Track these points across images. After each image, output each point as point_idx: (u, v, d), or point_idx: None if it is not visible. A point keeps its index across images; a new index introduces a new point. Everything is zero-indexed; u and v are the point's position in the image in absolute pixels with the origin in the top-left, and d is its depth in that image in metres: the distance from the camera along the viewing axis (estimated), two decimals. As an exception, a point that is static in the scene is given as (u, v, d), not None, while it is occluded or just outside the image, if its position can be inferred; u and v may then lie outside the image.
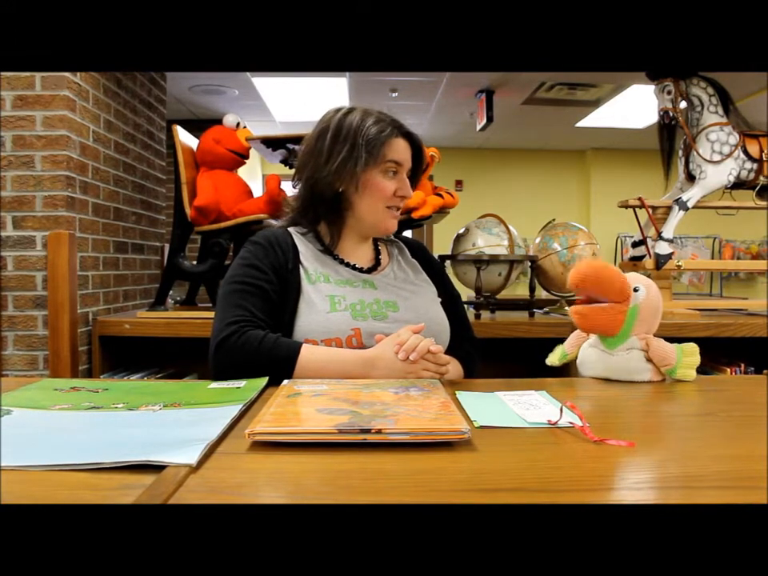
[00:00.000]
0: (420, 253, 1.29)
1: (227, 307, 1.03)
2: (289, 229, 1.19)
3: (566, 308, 1.96)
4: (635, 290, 0.98)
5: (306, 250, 1.15)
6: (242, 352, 0.97)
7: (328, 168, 1.10)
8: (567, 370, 1.14)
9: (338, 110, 1.15)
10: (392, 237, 1.30)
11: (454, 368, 1.11)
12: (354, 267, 1.16)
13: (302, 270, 1.11)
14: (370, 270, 1.18)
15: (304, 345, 0.99)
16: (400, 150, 1.14)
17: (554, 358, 1.10)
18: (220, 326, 1.00)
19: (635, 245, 2.04)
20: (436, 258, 1.38)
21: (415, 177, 1.21)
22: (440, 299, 1.20)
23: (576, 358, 1.07)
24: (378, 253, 1.23)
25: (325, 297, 1.07)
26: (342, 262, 1.16)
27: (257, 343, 0.97)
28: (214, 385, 0.91)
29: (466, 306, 1.46)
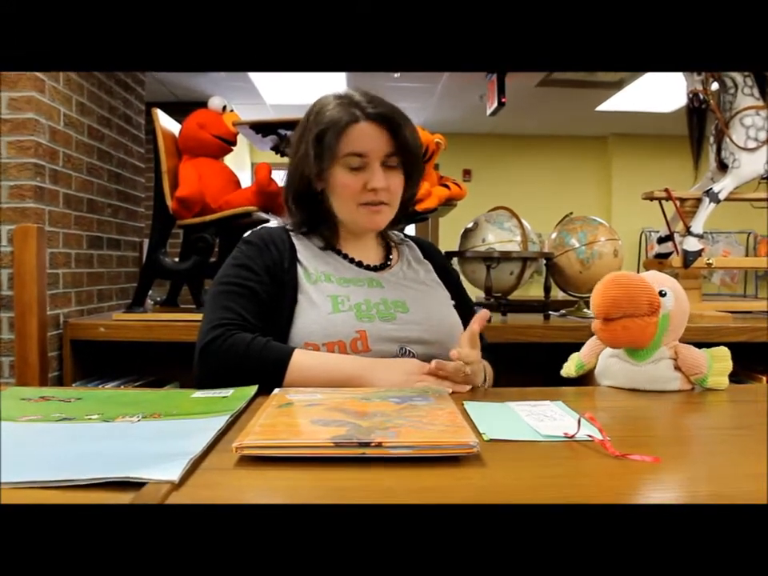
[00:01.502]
0: (433, 255, 1.29)
1: (214, 309, 1.04)
2: (287, 227, 1.20)
3: (585, 310, 1.96)
4: (662, 293, 0.98)
5: (305, 249, 1.16)
6: (228, 356, 0.98)
7: (292, 167, 1.14)
8: (585, 377, 1.14)
9: (317, 99, 1.16)
10: (402, 236, 1.31)
11: (488, 372, 1.13)
12: (359, 264, 1.17)
13: (300, 269, 1.12)
14: (377, 268, 1.18)
15: (297, 349, 1.00)
16: (362, 137, 1.08)
17: (569, 369, 1.10)
18: (205, 330, 1.01)
19: (661, 241, 2.04)
20: (450, 263, 1.37)
21: (409, 165, 1.13)
22: (454, 303, 1.21)
23: (594, 367, 1.07)
24: (388, 251, 1.24)
25: (327, 297, 1.07)
26: (345, 257, 1.17)
27: (244, 346, 0.98)
28: (198, 394, 0.91)
29: (474, 307, 1.46)
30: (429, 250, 1.30)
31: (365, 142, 1.08)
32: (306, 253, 1.15)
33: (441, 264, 1.28)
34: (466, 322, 1.19)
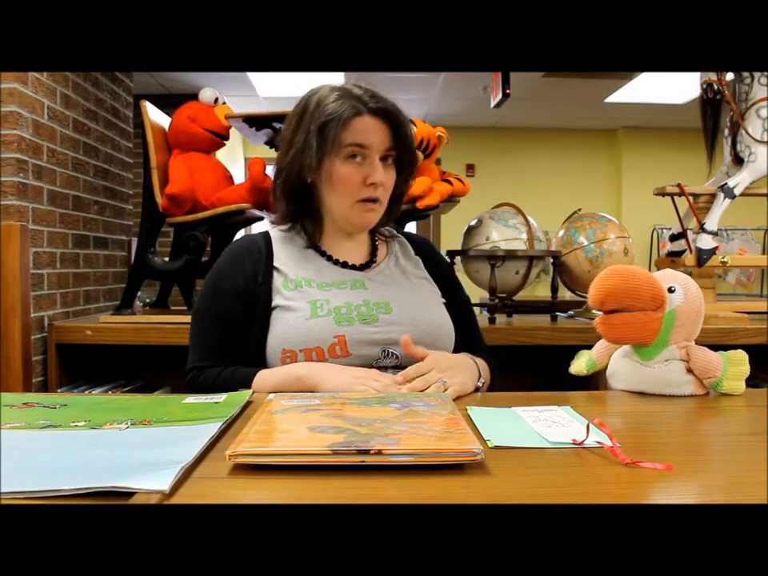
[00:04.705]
0: (425, 250, 1.30)
1: (191, 347, 1.16)
2: (270, 230, 1.23)
3: (594, 311, 1.96)
4: (670, 290, 0.98)
5: (286, 252, 1.18)
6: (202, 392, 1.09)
7: (288, 158, 1.15)
8: (594, 381, 1.14)
9: (311, 90, 1.17)
10: (394, 232, 1.31)
11: (484, 373, 1.14)
12: (344, 264, 1.18)
13: (277, 277, 1.14)
14: (361, 267, 1.19)
15: (260, 370, 1.07)
16: (364, 130, 1.11)
17: (579, 367, 1.09)
18: (186, 369, 1.15)
19: (674, 238, 2.04)
20: (445, 257, 1.37)
21: (402, 162, 1.17)
22: (444, 301, 1.21)
23: (605, 367, 1.07)
24: (374, 248, 1.24)
25: (306, 302, 1.10)
26: (329, 258, 1.19)
27: (211, 381, 1.09)
28: (190, 399, 0.92)
29: (479, 308, 1.46)
30: (420, 246, 1.30)
31: (368, 134, 1.11)
32: (286, 257, 1.17)
33: (432, 259, 1.28)
34: (459, 319, 1.21)
